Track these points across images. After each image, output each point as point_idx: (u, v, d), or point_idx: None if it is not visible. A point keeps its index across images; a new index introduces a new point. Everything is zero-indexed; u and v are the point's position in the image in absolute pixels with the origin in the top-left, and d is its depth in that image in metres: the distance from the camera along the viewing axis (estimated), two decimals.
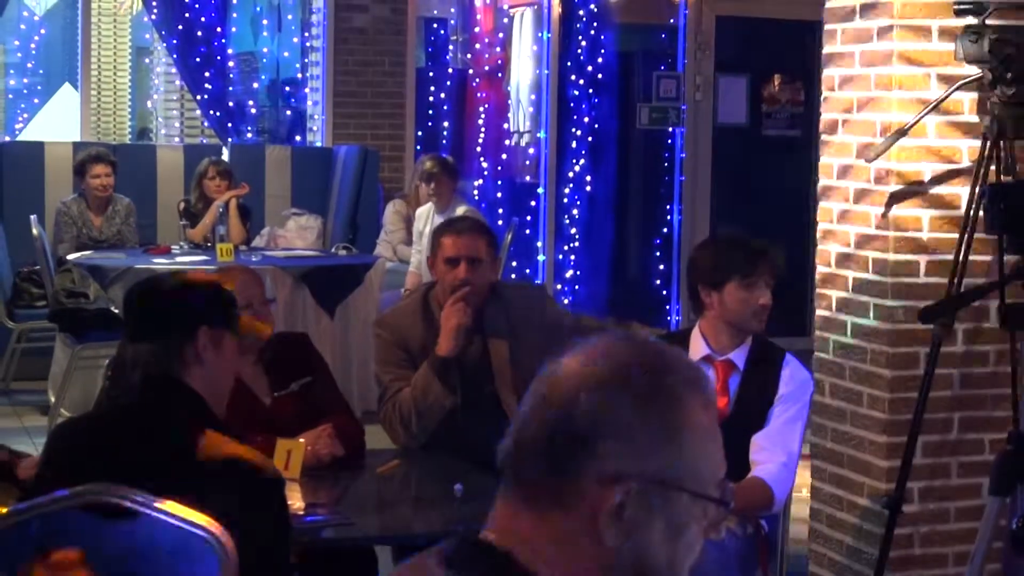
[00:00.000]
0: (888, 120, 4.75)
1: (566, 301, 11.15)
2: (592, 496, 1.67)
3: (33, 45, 13.10)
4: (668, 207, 11.41)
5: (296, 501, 3.88)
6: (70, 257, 8.55)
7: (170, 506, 2.93)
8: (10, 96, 13.34)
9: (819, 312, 5.11)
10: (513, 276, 10.82)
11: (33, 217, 8.60)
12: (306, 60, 11.60)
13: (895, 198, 4.77)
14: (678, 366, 1.74)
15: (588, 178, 11.41)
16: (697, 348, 4.39)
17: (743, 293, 4.34)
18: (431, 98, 11.62)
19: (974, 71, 4.58)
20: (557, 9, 11.34)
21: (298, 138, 11.53)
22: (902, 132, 4.55)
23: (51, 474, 3.17)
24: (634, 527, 1.68)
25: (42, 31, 13.22)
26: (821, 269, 5.09)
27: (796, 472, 4.33)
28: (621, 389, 1.69)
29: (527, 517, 1.70)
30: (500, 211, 11.32)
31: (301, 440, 4.22)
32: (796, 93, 11.41)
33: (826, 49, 5.08)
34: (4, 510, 3.18)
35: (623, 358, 1.72)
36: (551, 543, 1.69)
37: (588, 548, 1.68)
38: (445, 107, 11.68)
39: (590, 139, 11.42)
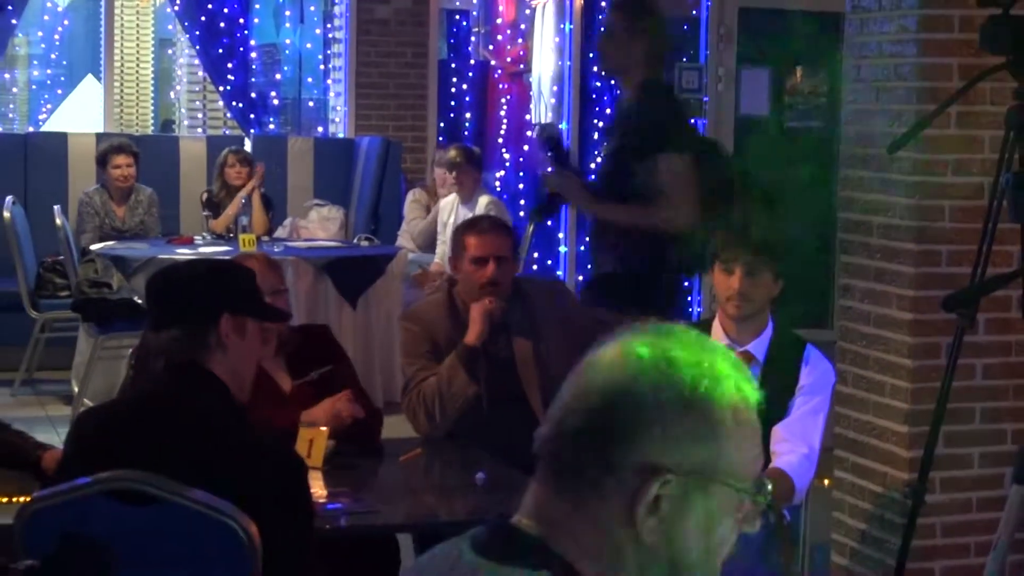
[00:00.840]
0: (910, 110, 4.74)
1: None
2: (629, 486, 1.66)
3: (56, 36, 13.16)
4: None
5: (318, 489, 3.89)
6: (93, 247, 8.56)
7: (194, 492, 2.94)
8: (34, 87, 13.41)
9: (841, 302, 5.10)
10: (535, 268, 10.82)
11: (56, 207, 8.63)
12: (328, 51, 11.60)
13: (918, 188, 4.76)
14: (718, 358, 1.74)
15: None
16: (717, 339, 4.36)
17: (721, 276, 4.35)
18: (453, 89, 11.61)
19: (997, 61, 4.56)
20: (579, 0, 11.33)
21: (320, 129, 11.54)
22: (925, 122, 4.54)
23: (75, 461, 3.18)
24: (670, 518, 1.67)
25: (65, 22, 13.28)
26: (843, 259, 5.09)
27: (817, 463, 4.32)
28: (661, 380, 1.69)
29: (563, 505, 1.69)
30: (522, 203, 11.31)
31: (323, 428, 4.22)
32: (819, 84, 11.37)
33: (848, 40, 5.07)
34: (28, 498, 3.19)
35: (664, 349, 1.71)
36: (586, 531, 1.68)
37: (624, 538, 1.68)
38: (467, 98, 11.68)
39: None
